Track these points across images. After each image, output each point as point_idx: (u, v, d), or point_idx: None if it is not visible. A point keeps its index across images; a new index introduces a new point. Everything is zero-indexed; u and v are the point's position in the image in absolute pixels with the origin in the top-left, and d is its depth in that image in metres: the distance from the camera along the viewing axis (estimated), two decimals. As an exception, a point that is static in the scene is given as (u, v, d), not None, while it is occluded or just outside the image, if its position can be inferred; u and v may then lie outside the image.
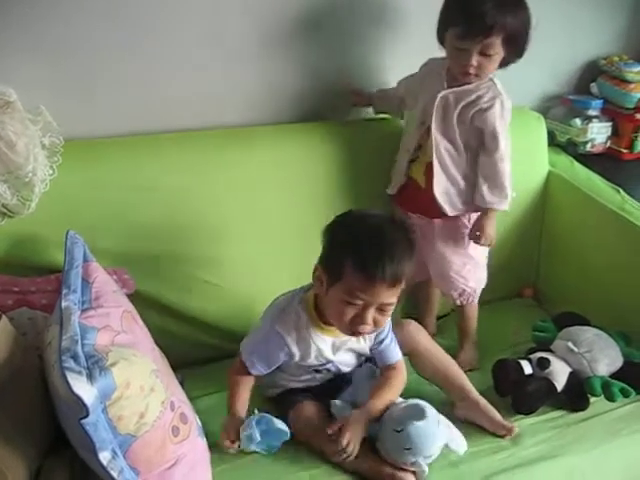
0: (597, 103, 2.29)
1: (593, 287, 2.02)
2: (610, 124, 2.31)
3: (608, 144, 2.35)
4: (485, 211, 1.80)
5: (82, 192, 1.63)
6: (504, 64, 1.73)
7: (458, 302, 1.93)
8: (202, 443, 1.35)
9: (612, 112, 2.32)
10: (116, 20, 1.68)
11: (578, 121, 2.25)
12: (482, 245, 1.84)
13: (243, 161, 1.80)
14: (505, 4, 1.63)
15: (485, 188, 1.77)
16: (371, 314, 1.44)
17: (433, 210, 1.83)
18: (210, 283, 1.76)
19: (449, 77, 1.77)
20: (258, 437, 1.46)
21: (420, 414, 1.49)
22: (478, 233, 1.81)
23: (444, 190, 1.81)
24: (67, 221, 1.54)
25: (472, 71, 1.69)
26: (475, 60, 1.67)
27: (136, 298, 1.58)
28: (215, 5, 1.76)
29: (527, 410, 1.70)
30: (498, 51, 1.67)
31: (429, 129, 1.78)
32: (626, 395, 1.71)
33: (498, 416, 1.63)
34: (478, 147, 1.79)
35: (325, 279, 1.46)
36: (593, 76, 2.34)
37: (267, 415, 1.49)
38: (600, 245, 2.01)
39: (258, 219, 1.82)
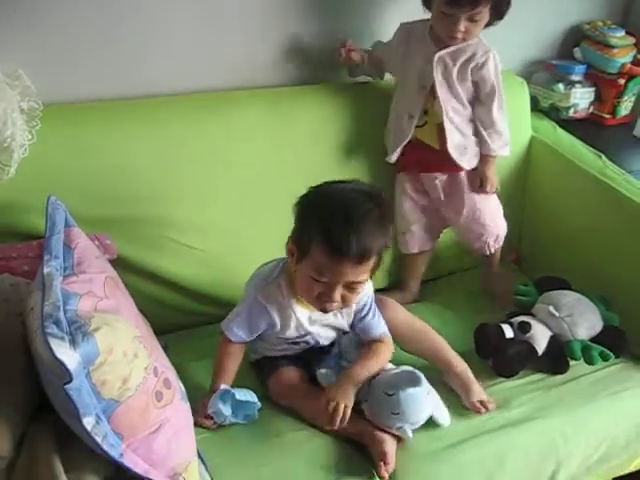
0: (580, 68, 2.29)
1: (575, 251, 2.04)
2: (593, 89, 2.32)
3: (591, 109, 2.35)
4: (486, 158, 1.87)
5: (62, 157, 1.62)
6: (486, 26, 1.78)
7: (492, 249, 1.99)
8: (186, 407, 1.36)
9: (595, 77, 2.32)
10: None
11: (561, 86, 2.25)
12: (487, 192, 1.91)
13: (226, 125, 1.78)
14: None
15: (488, 137, 1.87)
16: (339, 291, 1.42)
17: (450, 167, 1.90)
18: (194, 248, 1.75)
19: (434, 39, 1.80)
20: (227, 412, 1.47)
21: (415, 381, 1.50)
22: (482, 181, 1.89)
23: (459, 147, 1.87)
24: (47, 187, 1.51)
25: (460, 36, 1.75)
26: (463, 26, 1.72)
27: (119, 264, 1.57)
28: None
29: (508, 373, 1.72)
30: (484, 16, 1.73)
31: (431, 92, 1.82)
32: (605, 359, 1.74)
33: (477, 395, 1.64)
34: (478, 99, 1.87)
35: (295, 254, 1.44)
36: (576, 41, 2.34)
37: (230, 390, 1.49)
38: (582, 210, 2.02)
39: (245, 185, 1.81)
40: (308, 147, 1.88)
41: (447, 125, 1.84)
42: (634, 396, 1.77)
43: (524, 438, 1.58)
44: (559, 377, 1.74)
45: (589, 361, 1.74)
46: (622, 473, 1.99)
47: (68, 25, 1.66)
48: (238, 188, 1.80)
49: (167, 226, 1.73)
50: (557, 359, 1.76)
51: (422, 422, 1.52)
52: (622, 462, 1.87)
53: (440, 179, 1.94)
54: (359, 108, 1.95)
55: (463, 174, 1.93)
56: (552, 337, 1.77)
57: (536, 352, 1.74)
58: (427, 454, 1.52)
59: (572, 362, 1.77)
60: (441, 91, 1.82)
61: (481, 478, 1.54)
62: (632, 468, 2.00)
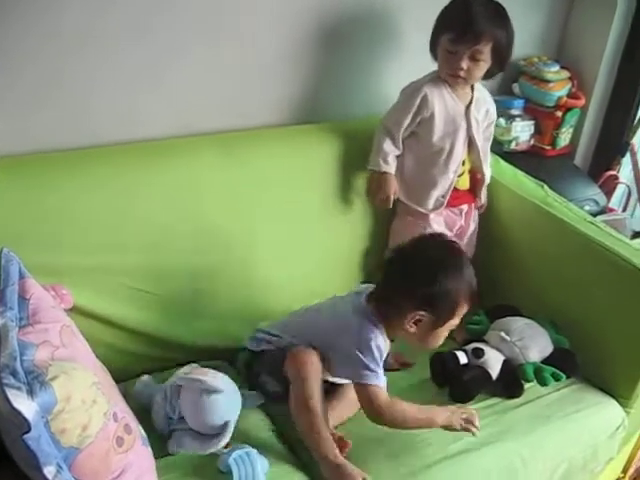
0: (519, 102, 2.39)
1: (523, 279, 2.09)
2: (533, 122, 2.42)
3: (532, 142, 2.45)
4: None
5: (14, 208, 1.60)
6: (488, 75, 1.91)
7: None
8: (147, 452, 1.37)
9: (534, 111, 2.42)
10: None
11: (502, 120, 2.34)
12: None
13: (177, 171, 1.80)
14: (496, 16, 1.84)
15: (487, 169, 2.07)
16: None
17: (471, 199, 2.09)
18: (149, 293, 1.75)
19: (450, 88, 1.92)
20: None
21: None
22: (483, 206, 2.12)
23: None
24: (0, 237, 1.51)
25: (462, 74, 1.85)
26: (465, 64, 1.83)
27: (75, 312, 1.58)
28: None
29: (464, 398, 1.76)
30: (486, 58, 1.84)
31: (467, 142, 1.99)
32: (557, 379, 1.78)
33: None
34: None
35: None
36: (514, 77, 2.44)
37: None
38: (527, 239, 2.08)
39: (197, 227, 1.81)
40: (261, 190, 1.90)
41: (485, 169, 2.05)
42: (588, 416, 1.82)
43: (483, 463, 1.61)
44: (514, 401, 1.78)
45: (542, 382, 1.78)
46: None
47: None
48: (191, 231, 1.80)
49: (121, 272, 1.72)
50: (511, 383, 1.81)
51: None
52: (583, 483, 1.92)
53: (464, 210, 2.08)
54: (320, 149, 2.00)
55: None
56: (505, 361, 1.82)
57: (490, 377, 1.78)
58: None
59: (526, 385, 1.82)
60: (478, 142, 2.00)
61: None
62: (593, 489, 2.05)
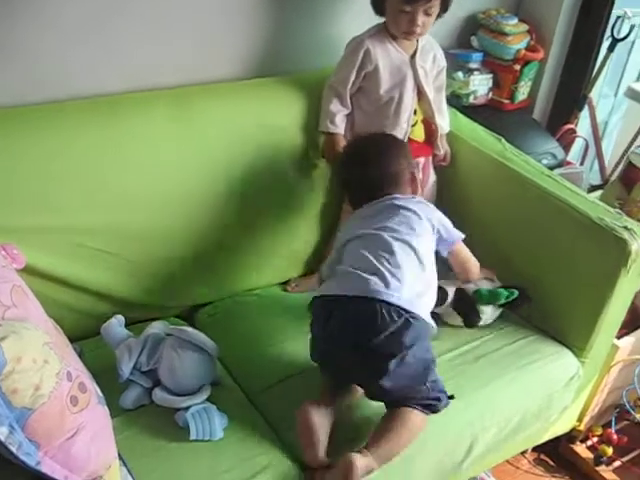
0: (477, 56, 2.38)
1: (480, 232, 2.05)
2: (491, 76, 2.41)
3: (490, 95, 2.44)
4: (443, 137, 2.11)
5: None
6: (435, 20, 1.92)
7: None
8: (103, 411, 1.35)
9: (492, 64, 2.41)
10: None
11: (460, 74, 2.33)
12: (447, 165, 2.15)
13: (132, 127, 1.75)
14: None
15: (442, 119, 2.08)
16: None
17: (428, 151, 2.10)
18: (106, 252, 1.73)
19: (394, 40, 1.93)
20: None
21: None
22: (446, 156, 2.12)
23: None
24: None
25: (418, 31, 1.87)
26: (420, 20, 1.84)
27: (29, 272, 1.56)
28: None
29: None
30: (436, 10, 1.87)
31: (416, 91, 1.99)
32: (511, 294, 1.84)
33: None
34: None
35: None
36: (473, 30, 2.42)
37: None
38: (485, 192, 2.09)
39: (154, 187, 1.78)
40: (218, 146, 1.86)
41: (438, 119, 2.05)
42: (543, 367, 1.86)
43: (438, 416, 1.61)
44: (470, 355, 1.81)
45: (496, 297, 1.84)
46: (539, 442, 2.09)
47: None
48: (147, 192, 1.77)
49: (77, 232, 1.69)
50: (468, 309, 1.85)
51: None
52: (537, 431, 1.96)
53: (421, 163, 2.08)
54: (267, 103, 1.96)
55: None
56: (458, 289, 1.86)
57: (447, 295, 1.83)
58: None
59: (483, 338, 1.86)
60: (427, 90, 1.99)
61: (400, 460, 1.54)
62: (547, 437, 2.10)
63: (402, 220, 1.64)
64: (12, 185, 1.61)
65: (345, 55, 1.94)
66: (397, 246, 1.59)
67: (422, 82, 1.97)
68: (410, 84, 1.95)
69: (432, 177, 2.14)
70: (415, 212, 1.66)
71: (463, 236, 1.77)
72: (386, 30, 1.92)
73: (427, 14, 1.85)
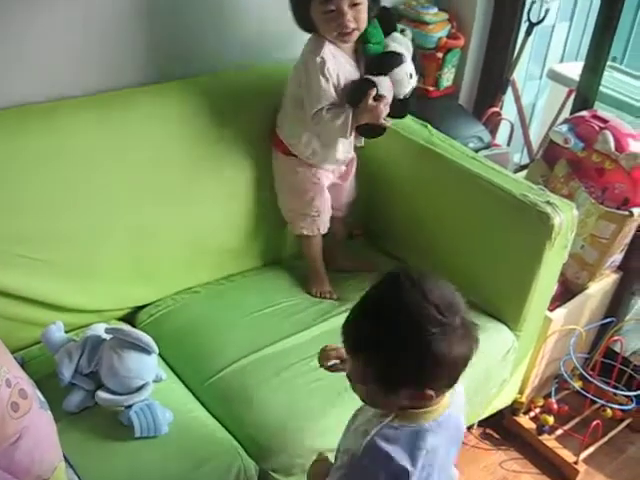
0: (400, 45, 2.42)
1: (409, 218, 2.17)
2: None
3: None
4: None
5: None
6: (371, 13, 1.81)
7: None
8: (46, 415, 1.36)
9: (415, 53, 2.45)
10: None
11: (385, 64, 2.37)
12: None
13: (58, 136, 1.75)
14: None
15: None
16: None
17: None
18: (36, 259, 1.71)
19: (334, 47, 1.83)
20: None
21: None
22: None
23: None
24: None
25: (352, 25, 1.75)
26: (350, 15, 1.73)
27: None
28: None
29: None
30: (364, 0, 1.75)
31: None
32: None
33: None
34: None
35: None
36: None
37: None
38: (413, 178, 2.14)
39: (78, 192, 1.77)
40: (146, 148, 1.87)
41: None
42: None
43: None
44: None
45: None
46: (482, 417, 2.16)
47: None
48: (72, 198, 1.76)
49: (10, 240, 1.68)
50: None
51: None
52: (478, 405, 2.03)
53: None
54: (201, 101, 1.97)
55: None
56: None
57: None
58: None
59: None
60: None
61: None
62: (491, 411, 2.17)
63: None
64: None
65: (311, 85, 1.82)
66: None
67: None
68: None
69: (354, 168, 2.14)
70: None
71: None
72: (327, 41, 1.81)
73: (354, 5, 1.73)
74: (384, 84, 1.83)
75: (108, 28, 1.89)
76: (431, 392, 1.12)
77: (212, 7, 2.04)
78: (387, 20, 1.89)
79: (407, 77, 1.87)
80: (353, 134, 1.90)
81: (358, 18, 1.77)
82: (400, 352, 1.09)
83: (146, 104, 1.89)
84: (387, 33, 1.89)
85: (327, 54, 1.80)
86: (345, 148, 2.00)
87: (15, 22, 1.73)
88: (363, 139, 2.04)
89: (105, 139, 1.80)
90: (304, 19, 1.80)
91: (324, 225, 2.07)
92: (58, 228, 1.74)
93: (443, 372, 1.12)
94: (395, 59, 1.86)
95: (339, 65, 1.83)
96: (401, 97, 1.89)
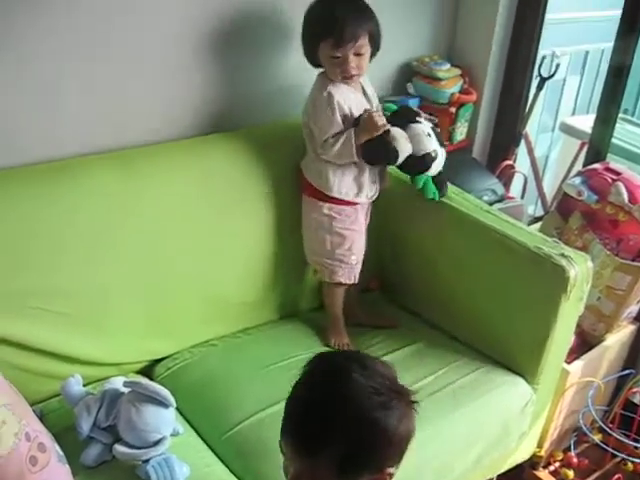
0: (414, 101, 2.48)
1: (424, 272, 2.18)
2: (428, 120, 2.50)
3: (429, 138, 2.53)
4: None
5: None
6: (370, 58, 1.96)
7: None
8: (64, 469, 1.38)
9: (429, 108, 2.49)
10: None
11: (398, 119, 2.41)
12: None
13: (74, 192, 1.78)
14: (360, 9, 1.90)
15: None
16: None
17: None
18: (57, 313, 1.73)
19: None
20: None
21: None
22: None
23: None
24: None
25: (354, 72, 1.91)
26: (354, 62, 1.89)
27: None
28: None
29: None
30: (367, 49, 1.92)
31: None
32: None
33: None
34: None
35: None
36: (408, 77, 2.52)
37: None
38: (427, 232, 2.15)
39: (102, 246, 1.81)
40: (167, 204, 1.91)
41: None
42: (497, 396, 1.92)
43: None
44: (424, 391, 1.81)
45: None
46: (501, 471, 2.13)
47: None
48: (99, 249, 1.80)
49: (32, 295, 1.71)
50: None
51: None
52: (498, 460, 2.01)
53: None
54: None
55: None
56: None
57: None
58: None
59: (437, 373, 1.92)
60: None
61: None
62: (510, 465, 2.15)
63: None
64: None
65: (322, 117, 1.92)
66: None
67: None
68: None
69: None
70: None
71: None
72: (332, 80, 1.93)
73: (358, 54, 1.89)
74: (398, 132, 1.92)
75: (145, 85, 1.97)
76: (391, 470, 1.16)
77: (251, 64, 2.13)
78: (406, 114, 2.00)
79: (424, 135, 1.95)
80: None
81: (360, 65, 1.92)
82: (357, 440, 1.10)
83: (169, 158, 1.94)
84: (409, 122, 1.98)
85: (333, 88, 1.92)
86: (370, 177, 2.02)
87: (48, 72, 1.80)
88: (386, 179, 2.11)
89: (124, 194, 1.83)
90: (312, 57, 1.96)
91: (358, 274, 2.10)
92: (78, 281, 1.77)
93: (400, 449, 1.16)
94: (410, 113, 1.98)
95: (347, 97, 1.94)
96: (420, 154, 1.95)
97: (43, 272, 1.72)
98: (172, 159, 1.95)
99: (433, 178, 2.04)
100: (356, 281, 2.09)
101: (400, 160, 1.92)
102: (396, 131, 1.91)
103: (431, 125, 2.01)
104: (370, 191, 2.05)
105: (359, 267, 2.09)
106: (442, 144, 2.04)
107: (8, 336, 1.68)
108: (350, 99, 1.94)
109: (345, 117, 1.93)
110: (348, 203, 2.02)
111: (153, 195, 1.87)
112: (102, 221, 1.79)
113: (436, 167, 2.00)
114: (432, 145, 1.96)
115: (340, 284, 2.09)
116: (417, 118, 1.99)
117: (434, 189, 2.04)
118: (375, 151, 1.91)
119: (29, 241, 1.70)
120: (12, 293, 1.68)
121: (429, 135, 1.96)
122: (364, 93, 2.02)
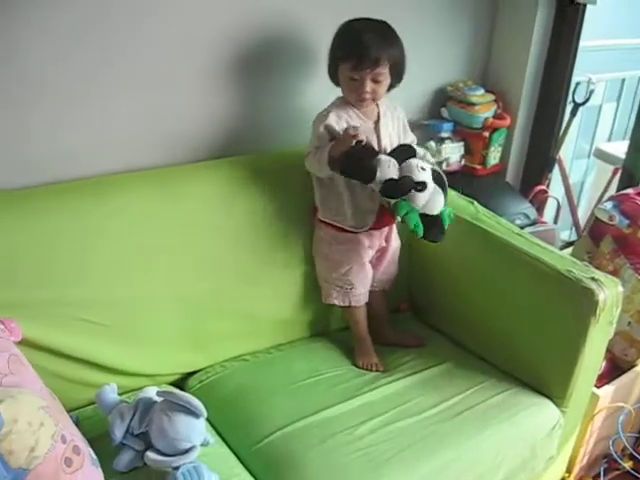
0: (448, 126, 2.52)
1: (455, 293, 2.19)
2: (462, 144, 2.54)
3: (463, 162, 2.57)
4: None
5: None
6: (390, 88, 1.98)
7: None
8: (97, 472, 1.42)
9: (463, 132, 2.54)
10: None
11: (432, 143, 2.45)
12: None
13: (116, 208, 1.85)
14: (386, 37, 1.90)
15: None
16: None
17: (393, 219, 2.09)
18: (95, 323, 1.79)
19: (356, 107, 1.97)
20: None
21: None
22: None
23: None
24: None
25: (368, 97, 1.92)
26: (369, 87, 1.90)
27: (25, 345, 1.62)
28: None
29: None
30: (386, 77, 1.92)
31: None
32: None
33: None
34: None
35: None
36: (442, 101, 2.56)
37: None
38: (459, 254, 2.16)
39: (139, 261, 1.86)
40: (199, 223, 1.96)
41: None
42: (524, 418, 1.91)
43: (423, 472, 1.67)
44: (452, 410, 1.86)
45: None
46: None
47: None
48: (140, 262, 1.86)
49: (72, 305, 1.77)
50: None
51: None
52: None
53: (384, 232, 2.12)
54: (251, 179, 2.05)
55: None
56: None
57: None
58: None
59: (465, 393, 1.93)
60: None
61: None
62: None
63: None
64: (14, 263, 1.70)
65: (313, 131, 1.97)
66: None
67: (386, 146, 1.99)
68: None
69: (396, 242, 2.19)
70: None
71: None
72: (347, 101, 1.97)
73: (376, 81, 1.89)
74: (386, 157, 1.89)
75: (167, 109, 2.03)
76: None
77: (272, 92, 2.18)
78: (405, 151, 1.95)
79: (416, 167, 1.88)
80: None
81: (376, 91, 1.92)
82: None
83: (206, 175, 2.01)
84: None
85: (335, 109, 1.95)
86: (367, 206, 2.00)
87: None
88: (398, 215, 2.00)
89: (162, 214, 1.89)
90: (333, 74, 1.98)
91: (357, 298, 2.11)
92: (120, 295, 1.83)
93: None
94: (405, 151, 1.94)
95: (348, 121, 1.93)
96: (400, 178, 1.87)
97: (83, 283, 1.78)
98: (209, 176, 2.01)
99: (423, 215, 1.86)
100: (355, 304, 2.11)
101: (377, 178, 1.83)
102: (384, 156, 1.89)
103: (432, 166, 1.94)
104: (369, 221, 2.02)
105: (358, 292, 2.10)
106: (443, 186, 1.93)
107: (48, 344, 1.73)
108: (353, 120, 1.95)
109: (334, 138, 1.93)
110: (340, 229, 2.03)
111: (190, 215, 1.93)
112: (143, 239, 1.86)
113: (420, 199, 1.84)
114: (420, 177, 1.85)
115: (348, 307, 2.12)
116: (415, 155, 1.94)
117: (417, 221, 1.83)
118: (351, 163, 1.86)
119: (73, 253, 1.77)
120: (53, 302, 1.74)
121: (422, 169, 1.88)
122: (377, 121, 2.00)
